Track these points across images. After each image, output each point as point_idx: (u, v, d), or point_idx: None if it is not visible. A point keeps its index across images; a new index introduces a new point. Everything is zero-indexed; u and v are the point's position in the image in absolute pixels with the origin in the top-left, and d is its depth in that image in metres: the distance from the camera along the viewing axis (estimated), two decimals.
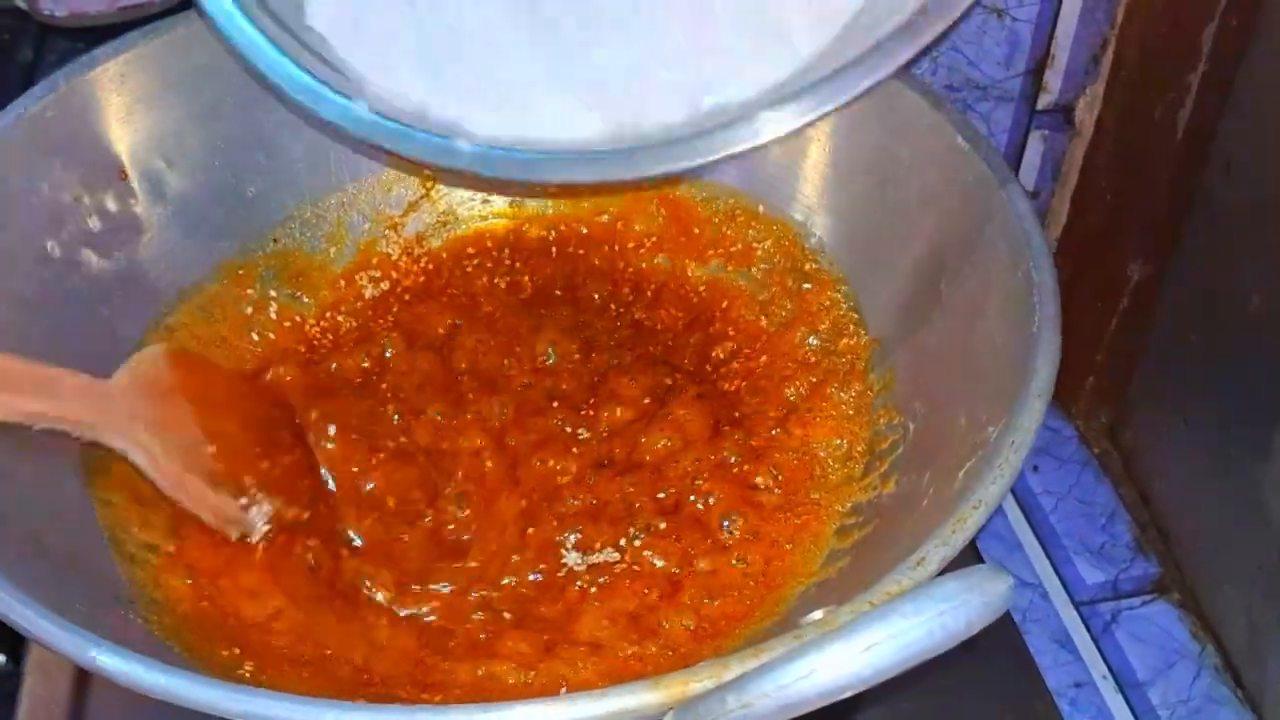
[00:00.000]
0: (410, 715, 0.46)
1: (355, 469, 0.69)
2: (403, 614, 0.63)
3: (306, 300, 0.81)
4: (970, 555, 0.57)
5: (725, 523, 0.66)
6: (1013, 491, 1.03)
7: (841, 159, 0.77)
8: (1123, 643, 0.93)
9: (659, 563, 0.64)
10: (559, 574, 0.65)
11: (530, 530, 0.66)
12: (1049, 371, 0.55)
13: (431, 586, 0.65)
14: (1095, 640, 0.94)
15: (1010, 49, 0.88)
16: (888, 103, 0.72)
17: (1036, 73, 0.90)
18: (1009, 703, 0.70)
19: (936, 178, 0.69)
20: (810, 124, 0.58)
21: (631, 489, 0.68)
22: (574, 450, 0.70)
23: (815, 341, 0.74)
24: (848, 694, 0.39)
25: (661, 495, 0.67)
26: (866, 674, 0.38)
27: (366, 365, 0.76)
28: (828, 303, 0.75)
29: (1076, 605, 0.96)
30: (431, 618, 0.63)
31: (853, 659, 0.38)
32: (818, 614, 0.45)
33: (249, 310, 0.79)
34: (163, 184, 0.77)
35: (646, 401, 0.72)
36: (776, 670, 0.39)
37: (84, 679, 0.71)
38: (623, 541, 0.66)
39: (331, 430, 0.70)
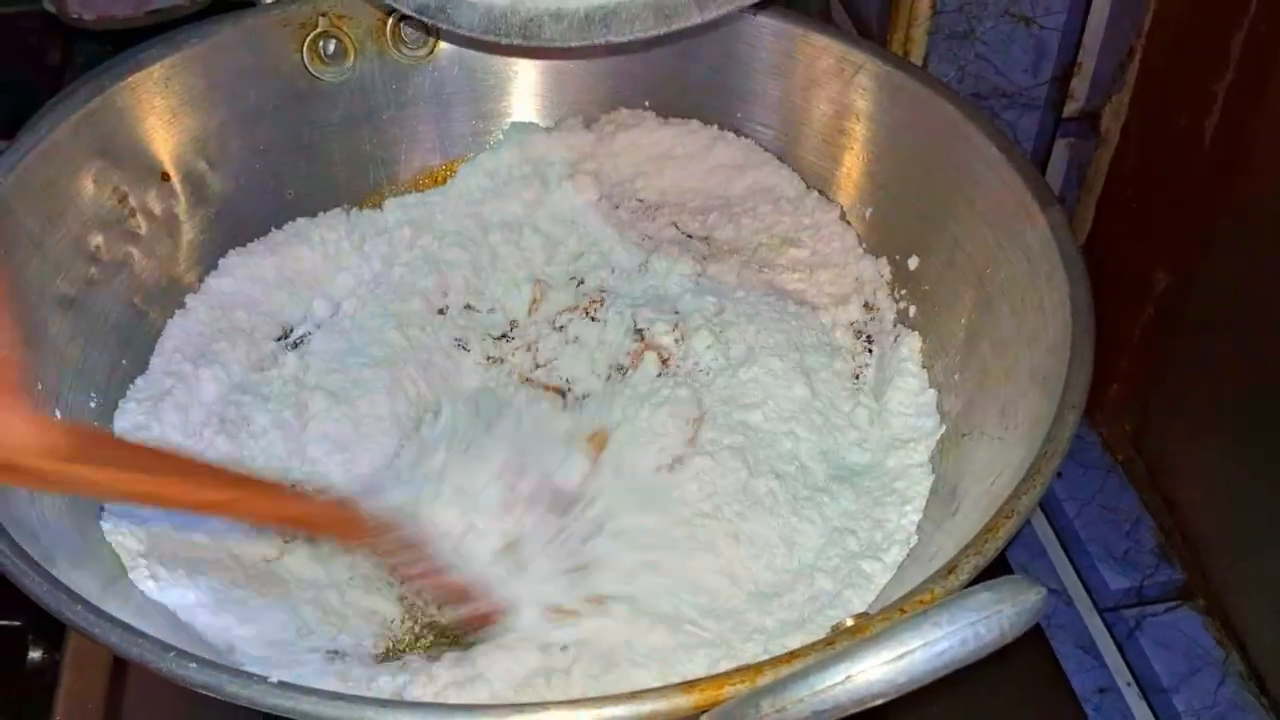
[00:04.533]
0: (447, 716, 0.47)
1: None
2: None
3: None
4: (997, 560, 0.59)
5: None
6: None
7: (881, 171, 0.78)
8: (1147, 649, 0.93)
9: None
10: None
11: None
12: (1082, 384, 0.55)
13: None
14: (1120, 646, 0.94)
15: (1037, 57, 0.88)
16: (927, 114, 0.73)
17: (1063, 80, 0.91)
18: (1036, 707, 0.71)
19: (974, 192, 0.70)
20: None
21: None
22: None
23: None
24: (881, 700, 0.40)
25: None
26: (900, 681, 0.39)
27: None
28: None
29: (1101, 611, 0.96)
30: None
31: (887, 666, 0.39)
32: (849, 620, 0.46)
33: None
34: (205, 185, 0.78)
35: None
36: (811, 676, 0.40)
37: (119, 672, 0.72)
38: None
39: None
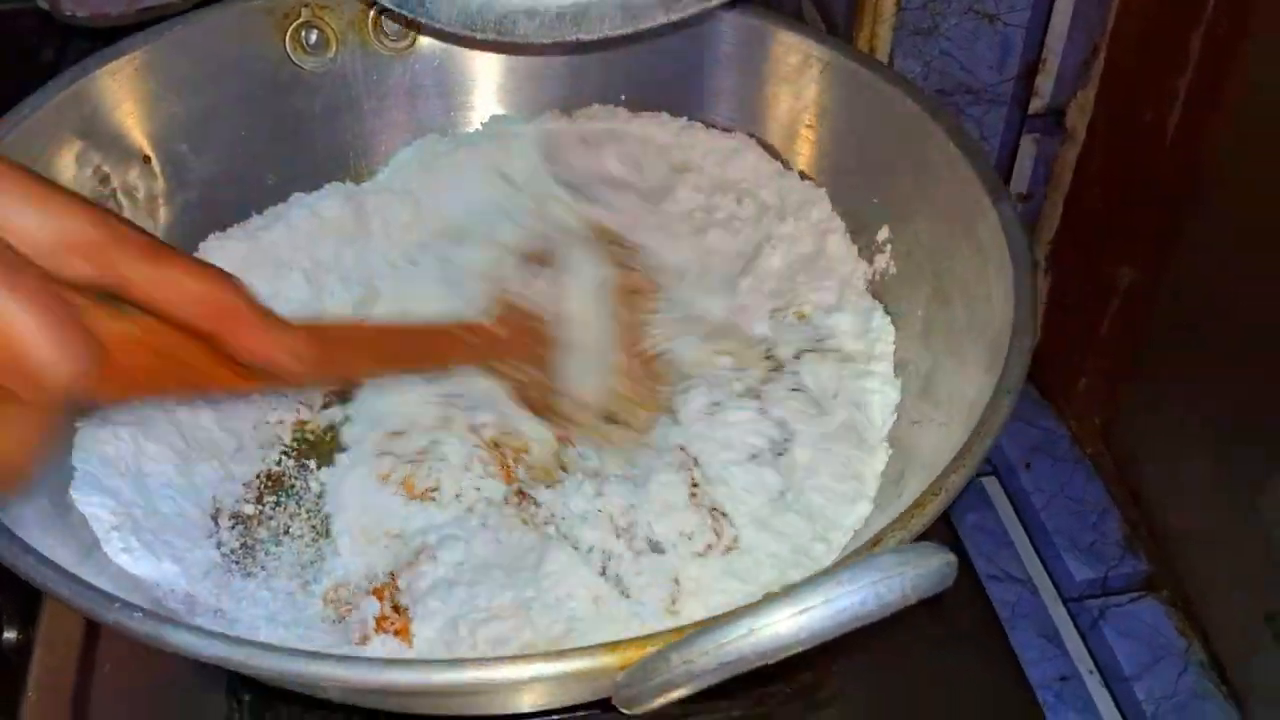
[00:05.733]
0: (376, 670, 0.48)
1: None
2: None
3: None
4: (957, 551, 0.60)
5: None
6: (1005, 489, 1.04)
7: (844, 166, 0.79)
8: (1110, 638, 0.95)
9: None
10: None
11: None
12: (1019, 369, 0.56)
13: None
14: (1083, 635, 0.95)
15: (1002, 53, 0.89)
16: (889, 110, 0.74)
17: (1028, 77, 0.92)
18: (990, 696, 0.71)
19: (933, 186, 0.71)
20: None
21: None
22: None
23: None
24: (784, 654, 0.41)
25: None
26: (802, 635, 0.41)
27: None
28: None
29: (1065, 601, 0.97)
30: None
31: (789, 621, 0.41)
32: (776, 589, 0.48)
33: None
34: (186, 169, 0.79)
35: None
36: (717, 631, 0.42)
37: (90, 650, 0.73)
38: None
39: None
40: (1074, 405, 1.08)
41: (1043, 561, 1.00)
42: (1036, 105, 0.94)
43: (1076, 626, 0.96)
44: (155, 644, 0.48)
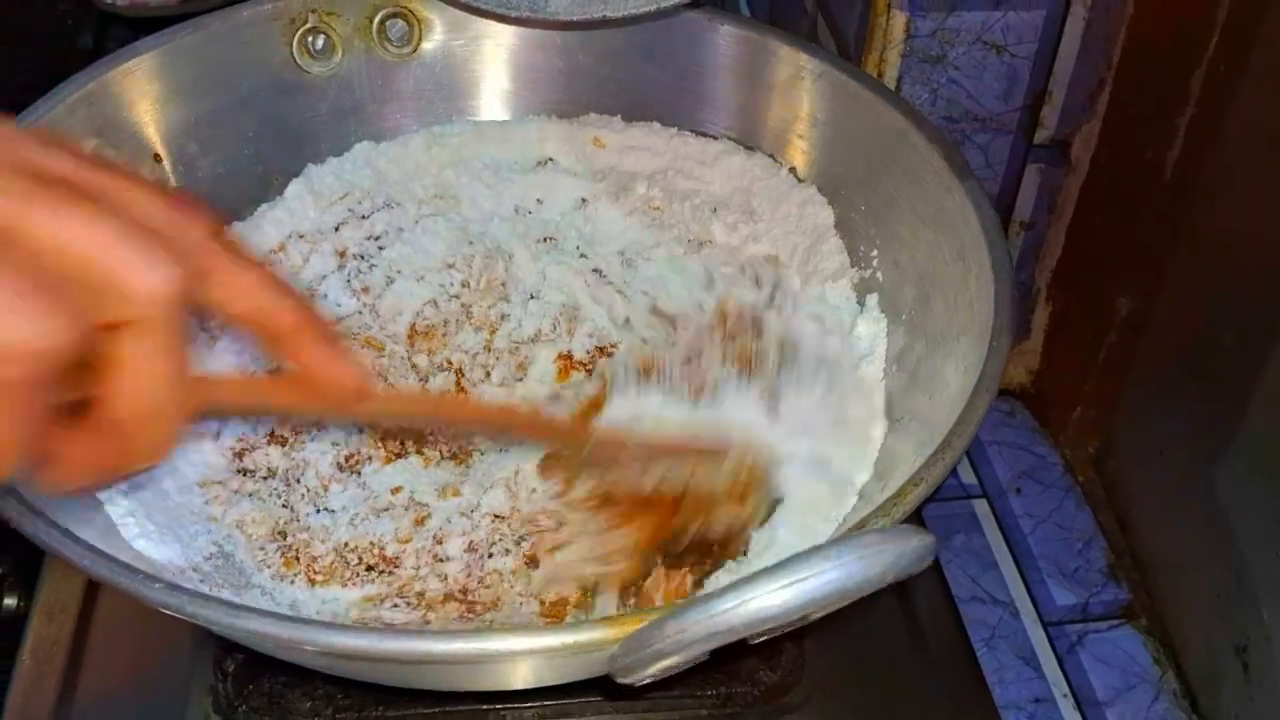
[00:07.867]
0: (386, 640, 0.50)
1: None
2: None
3: None
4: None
5: None
6: (994, 512, 1.06)
7: (835, 175, 0.81)
8: (1086, 663, 0.96)
9: None
10: None
11: None
12: (997, 369, 0.58)
13: None
14: (1060, 659, 0.96)
15: (1008, 83, 0.91)
16: (878, 120, 0.76)
17: (1034, 108, 0.94)
18: (955, 711, 0.73)
19: (919, 195, 0.73)
20: None
21: None
22: None
23: None
24: (771, 624, 0.43)
25: None
26: (788, 607, 0.42)
27: None
28: None
29: (1045, 625, 0.98)
30: None
31: (777, 593, 0.42)
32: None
33: None
34: (195, 168, 0.81)
35: None
36: (709, 602, 0.43)
37: (86, 621, 0.74)
38: None
39: None
40: (1069, 433, 1.09)
41: (1026, 585, 1.01)
42: (1041, 136, 0.96)
43: (1054, 650, 0.97)
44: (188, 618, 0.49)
